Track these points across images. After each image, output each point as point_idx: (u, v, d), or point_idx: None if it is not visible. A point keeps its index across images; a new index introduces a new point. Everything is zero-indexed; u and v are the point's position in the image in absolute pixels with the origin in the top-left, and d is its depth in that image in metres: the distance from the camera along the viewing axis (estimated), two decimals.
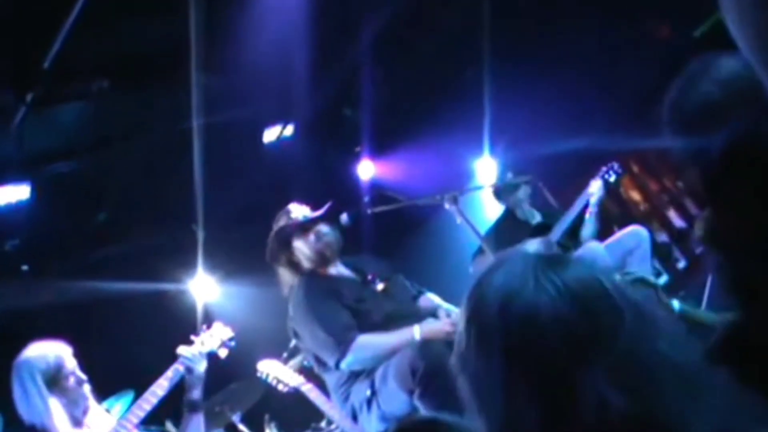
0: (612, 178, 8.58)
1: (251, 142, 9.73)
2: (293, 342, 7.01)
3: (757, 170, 2.36)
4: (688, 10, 9.07)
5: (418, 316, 6.48)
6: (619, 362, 1.86)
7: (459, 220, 6.72)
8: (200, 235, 8.79)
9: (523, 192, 8.47)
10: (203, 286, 8.82)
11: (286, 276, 6.70)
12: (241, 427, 7.02)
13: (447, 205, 6.69)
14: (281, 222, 6.77)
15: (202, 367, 5.79)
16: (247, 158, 9.61)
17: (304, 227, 6.67)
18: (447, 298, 7.28)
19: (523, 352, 1.91)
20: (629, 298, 2.00)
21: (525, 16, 9.44)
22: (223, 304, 8.74)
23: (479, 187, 8.52)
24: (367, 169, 10.39)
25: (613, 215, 10.04)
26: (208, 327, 6.40)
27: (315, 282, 6.51)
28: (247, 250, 9.01)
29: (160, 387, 5.74)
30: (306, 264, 6.63)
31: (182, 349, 5.80)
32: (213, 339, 6.24)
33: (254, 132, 9.78)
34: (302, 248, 6.66)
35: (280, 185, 9.25)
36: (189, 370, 5.74)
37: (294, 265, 6.67)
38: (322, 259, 6.65)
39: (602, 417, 1.81)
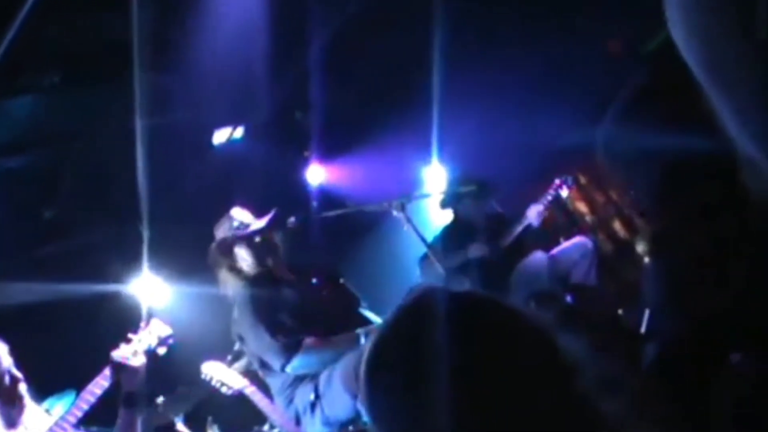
0: (564, 193, 8.69)
1: (200, 142, 9.72)
2: (237, 345, 7.00)
3: (695, 185, 2.41)
4: (639, 25, 9.15)
5: (362, 320, 6.52)
6: None
7: (406, 227, 6.75)
8: (145, 235, 8.74)
9: (470, 200, 8.51)
10: (148, 286, 8.78)
11: (228, 280, 6.70)
12: (182, 428, 6.99)
13: (395, 212, 6.72)
14: (224, 228, 6.77)
15: (137, 362, 5.70)
16: (196, 159, 9.59)
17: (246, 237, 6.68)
18: (391, 305, 7.30)
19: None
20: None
21: (475, 25, 9.48)
22: (168, 304, 8.70)
23: (427, 195, 8.54)
24: (316, 174, 10.40)
25: (560, 226, 10.11)
26: (147, 324, 6.38)
27: (259, 286, 6.53)
28: (193, 251, 9.01)
29: (98, 386, 5.69)
30: (249, 270, 6.64)
31: (115, 352, 5.70)
32: (151, 336, 6.20)
33: (204, 133, 9.77)
34: (244, 256, 6.67)
35: (228, 187, 9.24)
36: (121, 368, 5.65)
37: (237, 271, 6.67)
38: (264, 266, 6.66)
39: None
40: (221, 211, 7.23)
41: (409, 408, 1.88)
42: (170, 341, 6.20)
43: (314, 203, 7.05)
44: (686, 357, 2.43)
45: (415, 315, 1.98)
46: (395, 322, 2.03)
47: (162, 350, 6.20)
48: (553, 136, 9.42)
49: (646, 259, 2.87)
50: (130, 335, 6.08)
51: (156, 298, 8.40)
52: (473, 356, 1.87)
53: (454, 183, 8.80)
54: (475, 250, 8.27)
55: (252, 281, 6.58)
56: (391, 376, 1.95)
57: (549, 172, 9.10)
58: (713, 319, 2.44)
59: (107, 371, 5.71)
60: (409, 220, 6.69)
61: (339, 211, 6.93)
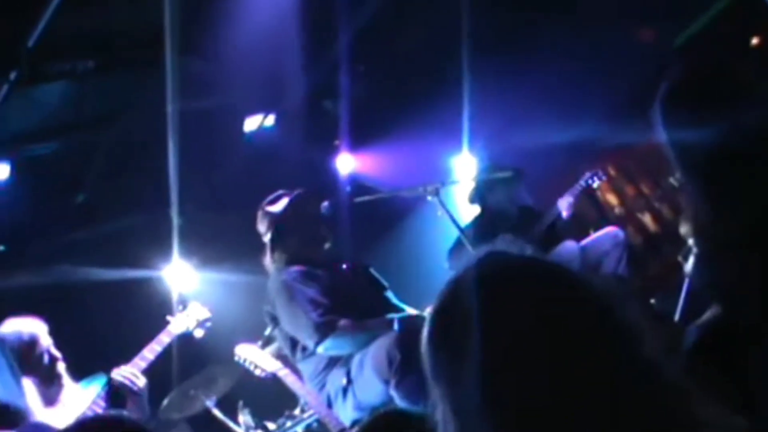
0: (595, 184, 8.70)
1: (232, 129, 9.74)
2: (269, 330, 7.03)
3: (748, 164, 2.43)
4: (672, 16, 9.16)
5: (391, 307, 6.54)
6: None
7: (440, 212, 6.77)
8: (176, 221, 8.78)
9: (501, 189, 8.51)
10: (179, 273, 8.81)
11: (269, 262, 6.72)
12: (215, 411, 7.03)
13: (429, 197, 6.73)
14: (263, 224, 6.78)
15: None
16: (227, 146, 9.61)
17: (298, 212, 6.70)
18: (421, 292, 7.33)
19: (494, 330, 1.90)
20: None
21: (506, 14, 9.48)
22: (199, 290, 8.74)
23: (460, 181, 8.53)
24: (346, 163, 10.40)
25: (589, 218, 10.10)
26: (184, 307, 6.44)
27: (297, 267, 6.54)
28: (223, 238, 9.06)
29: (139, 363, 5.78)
30: (292, 250, 6.66)
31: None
32: (189, 319, 6.28)
33: (235, 120, 9.78)
34: (291, 243, 6.69)
35: (258, 174, 9.26)
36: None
37: (279, 249, 6.68)
38: (311, 246, 6.69)
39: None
40: (250, 199, 7.24)
41: (466, 371, 1.89)
42: (208, 324, 6.27)
43: (347, 190, 7.04)
44: (729, 336, 2.45)
45: (479, 278, 1.98)
46: (458, 283, 2.04)
47: (199, 333, 6.27)
48: (584, 127, 9.43)
49: (690, 241, 2.86)
50: (168, 317, 6.15)
51: (186, 284, 8.45)
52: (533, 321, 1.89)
53: (486, 170, 8.78)
54: (505, 243, 8.27)
55: (290, 261, 6.59)
56: (453, 339, 1.96)
57: (580, 163, 9.10)
58: (756, 300, 2.46)
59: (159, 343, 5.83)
60: (443, 206, 6.71)
61: (372, 197, 6.94)
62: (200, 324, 6.35)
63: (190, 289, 8.53)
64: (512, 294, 1.94)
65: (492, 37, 9.46)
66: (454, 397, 1.94)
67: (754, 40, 8.79)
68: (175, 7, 7.43)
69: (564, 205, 8.47)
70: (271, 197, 6.82)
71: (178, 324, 6.18)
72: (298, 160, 9.81)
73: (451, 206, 7.35)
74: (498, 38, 9.55)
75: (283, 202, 6.75)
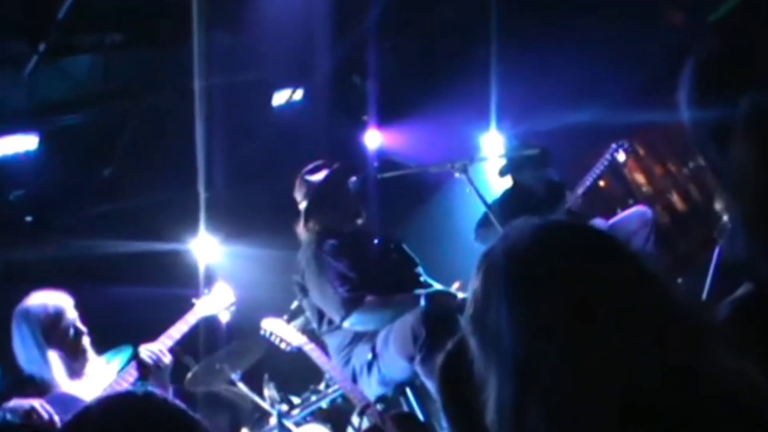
0: (620, 156, 8.66)
1: (260, 103, 9.74)
2: (295, 304, 7.04)
3: None
4: None
5: (420, 283, 6.53)
6: None
7: (468, 189, 6.74)
8: (203, 195, 8.79)
9: (530, 167, 8.48)
10: (205, 246, 8.83)
11: (301, 231, 6.72)
12: (240, 385, 7.03)
13: (457, 174, 6.71)
14: (300, 192, 6.77)
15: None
16: (256, 119, 9.62)
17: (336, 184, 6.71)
18: (449, 267, 7.33)
19: (535, 290, 1.95)
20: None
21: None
22: (226, 264, 8.76)
23: (488, 158, 8.51)
24: (373, 138, 10.40)
25: (617, 197, 10.07)
26: (210, 288, 6.46)
27: (329, 239, 6.55)
28: (251, 211, 9.07)
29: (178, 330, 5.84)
30: (327, 221, 6.66)
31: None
32: (214, 302, 6.30)
33: (264, 94, 9.78)
34: (327, 213, 6.69)
35: (286, 149, 9.27)
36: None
37: (314, 219, 6.68)
38: (345, 219, 6.70)
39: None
40: (278, 173, 7.24)
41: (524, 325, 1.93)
42: (233, 308, 6.29)
43: (374, 165, 7.02)
44: (762, 311, 2.43)
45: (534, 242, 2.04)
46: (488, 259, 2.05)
47: (225, 316, 6.30)
48: (612, 106, 9.39)
49: (725, 217, 2.84)
50: (193, 300, 6.17)
51: (213, 258, 8.47)
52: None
53: (515, 148, 8.76)
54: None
55: (323, 233, 6.60)
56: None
57: (607, 142, 9.07)
58: None
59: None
60: (471, 182, 6.69)
61: (400, 172, 6.92)
62: (226, 307, 6.38)
63: (216, 262, 8.57)
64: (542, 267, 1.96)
65: (520, 15, 9.42)
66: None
67: None
68: None
69: (589, 179, 8.45)
70: (310, 166, 6.83)
71: (203, 306, 6.19)
72: (326, 134, 9.80)
73: (479, 182, 7.31)
74: (526, 16, 9.52)
75: (323, 173, 6.75)
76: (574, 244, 2.02)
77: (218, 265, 8.63)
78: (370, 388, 6.21)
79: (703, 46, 2.63)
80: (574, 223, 2.13)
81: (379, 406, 6.00)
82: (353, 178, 6.72)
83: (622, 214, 8.43)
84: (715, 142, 2.59)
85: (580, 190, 8.47)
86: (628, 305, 1.89)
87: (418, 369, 5.86)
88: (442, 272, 7.04)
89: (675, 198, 10.27)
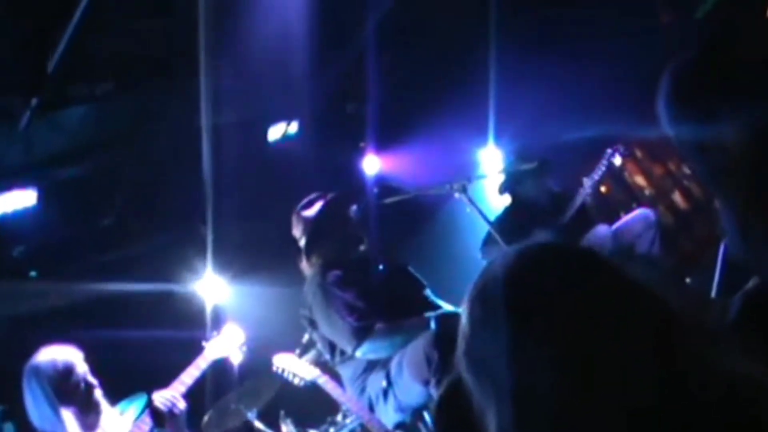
0: (617, 160, 8.66)
1: (256, 140, 9.73)
2: (306, 338, 7.02)
3: None
4: None
5: (429, 305, 6.52)
6: None
7: (469, 208, 6.74)
8: (208, 235, 8.79)
9: (530, 180, 8.47)
10: (212, 286, 8.81)
11: (304, 264, 6.71)
12: (257, 424, 7.00)
13: (456, 195, 6.71)
14: (298, 228, 6.76)
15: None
16: (253, 157, 9.59)
17: (332, 215, 6.70)
18: (455, 289, 7.28)
19: (531, 316, 1.93)
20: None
21: (528, 4, 9.44)
22: (233, 303, 8.74)
23: (487, 176, 8.50)
24: (372, 164, 10.37)
25: (619, 201, 10.05)
26: (219, 331, 6.45)
27: (333, 270, 6.54)
28: (255, 249, 9.06)
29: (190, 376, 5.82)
30: (328, 253, 6.64)
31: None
32: (225, 344, 6.29)
33: (259, 130, 9.77)
34: (327, 247, 6.68)
35: (286, 183, 9.26)
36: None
37: (315, 253, 6.67)
38: (347, 248, 6.68)
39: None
40: (280, 209, 7.23)
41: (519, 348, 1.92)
42: (244, 348, 6.28)
43: (374, 191, 7.00)
44: None
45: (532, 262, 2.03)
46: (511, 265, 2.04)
47: (237, 357, 6.29)
48: (609, 113, 9.40)
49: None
50: (203, 343, 6.16)
51: (220, 298, 8.46)
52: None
53: (513, 162, 8.74)
54: (540, 237, 8.26)
55: (327, 264, 6.59)
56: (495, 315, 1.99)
57: (605, 147, 9.07)
58: None
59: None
60: (471, 201, 6.69)
61: (399, 197, 6.92)
62: (237, 348, 6.37)
63: (224, 301, 8.56)
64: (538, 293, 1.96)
65: (515, 29, 9.42)
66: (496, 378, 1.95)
67: None
68: (190, 25, 7.45)
69: (588, 184, 8.45)
70: (304, 201, 6.84)
71: (214, 349, 6.18)
72: (323, 164, 9.79)
73: (480, 200, 7.32)
74: (521, 29, 9.52)
75: (317, 206, 6.76)
76: (559, 268, 1.99)
77: (226, 305, 8.63)
78: (388, 415, 6.20)
79: (677, 60, 2.62)
80: (556, 245, 2.11)
81: None
82: (353, 207, 6.69)
83: (625, 219, 8.42)
84: (698, 153, 2.58)
85: (580, 196, 8.47)
86: (621, 321, 1.87)
87: (434, 392, 5.83)
88: (450, 292, 7.02)
89: (677, 197, 10.24)
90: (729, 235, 2.64)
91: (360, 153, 10.37)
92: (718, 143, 2.47)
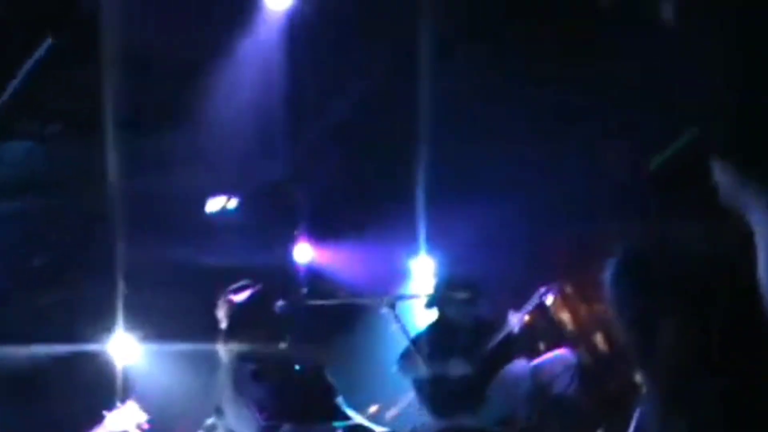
0: (549, 301, 8.72)
1: (194, 207, 9.69)
2: (213, 419, 6.92)
3: None
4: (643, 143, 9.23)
5: (338, 413, 6.48)
6: None
7: (394, 326, 6.73)
8: (121, 295, 8.68)
9: (459, 304, 8.45)
10: (123, 346, 8.71)
11: (222, 349, 6.64)
12: None
13: (384, 310, 6.68)
14: (223, 311, 6.70)
15: None
16: (189, 224, 9.54)
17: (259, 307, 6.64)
18: (368, 394, 7.30)
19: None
20: None
21: (462, 123, 9.52)
22: (143, 367, 8.67)
23: (416, 296, 8.46)
24: (304, 253, 10.38)
25: (541, 332, 10.05)
26: (122, 404, 6.38)
27: (249, 362, 6.47)
28: (172, 316, 8.98)
29: None
30: (248, 344, 6.58)
31: None
32: (125, 420, 6.21)
33: (199, 198, 9.74)
34: (248, 334, 6.62)
35: (214, 255, 9.24)
36: None
37: (235, 340, 6.61)
38: (267, 343, 6.63)
39: None
40: (204, 280, 7.19)
41: None
42: (145, 427, 6.21)
43: (303, 289, 6.95)
44: None
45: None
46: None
47: None
48: (543, 234, 9.50)
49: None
50: (105, 412, 6.08)
51: (130, 357, 8.39)
52: None
53: (444, 284, 8.71)
54: (456, 368, 8.27)
55: (242, 356, 6.52)
56: None
57: (538, 270, 9.13)
58: None
59: None
60: (397, 318, 6.66)
61: (329, 302, 6.88)
62: (137, 426, 6.30)
63: (133, 361, 8.48)
64: None
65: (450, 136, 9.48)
66: None
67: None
68: (148, 84, 7.44)
69: (515, 321, 8.47)
70: (235, 286, 6.77)
71: (113, 422, 6.11)
72: (257, 246, 9.76)
73: (407, 312, 7.32)
74: (456, 137, 9.59)
75: (246, 294, 6.69)
76: None
77: (134, 364, 8.56)
78: None
79: (619, 250, 2.75)
80: None
81: None
82: (280, 302, 6.64)
83: (545, 357, 8.43)
84: (635, 330, 2.68)
85: (505, 330, 8.50)
86: None
87: None
88: (361, 397, 7.00)
89: (599, 339, 10.27)
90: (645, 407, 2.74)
91: (294, 239, 10.37)
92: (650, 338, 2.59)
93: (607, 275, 2.89)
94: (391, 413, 8.77)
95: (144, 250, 8.76)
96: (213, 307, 6.83)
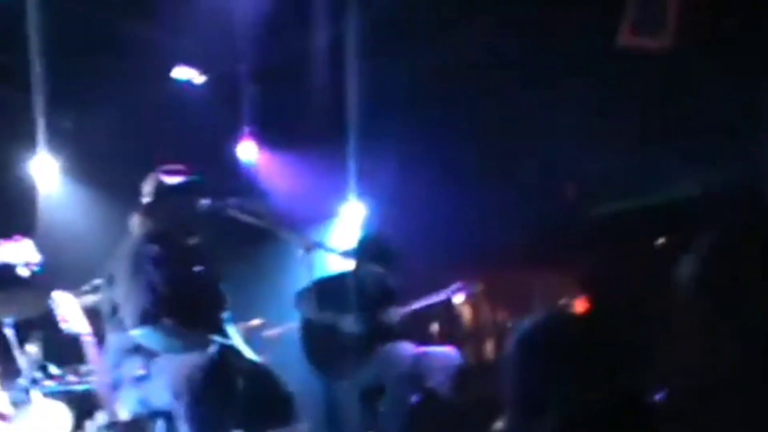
0: (458, 298, 8.79)
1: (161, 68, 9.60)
2: (99, 281, 6.88)
3: None
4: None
5: (222, 329, 6.48)
6: None
7: (304, 267, 6.69)
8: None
9: (374, 260, 8.46)
10: (44, 171, 8.63)
11: (136, 222, 6.59)
12: (6, 330, 6.84)
13: (299, 251, 6.64)
14: (149, 184, 6.64)
15: None
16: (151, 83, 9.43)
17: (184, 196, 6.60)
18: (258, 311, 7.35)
19: None
20: None
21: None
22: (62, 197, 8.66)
23: (335, 251, 8.42)
24: (247, 151, 10.32)
25: (436, 316, 10.08)
26: (18, 239, 6.32)
27: (156, 244, 6.44)
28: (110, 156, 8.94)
29: None
30: (161, 226, 6.54)
31: None
32: (15, 252, 6.16)
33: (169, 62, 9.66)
34: (164, 217, 6.57)
35: (167, 125, 9.23)
36: None
37: (150, 218, 6.56)
38: (180, 233, 6.60)
39: None
40: (153, 143, 7.11)
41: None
42: (35, 269, 6.17)
43: (232, 201, 6.90)
44: None
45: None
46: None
47: (23, 272, 6.17)
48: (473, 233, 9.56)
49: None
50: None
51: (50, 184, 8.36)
52: None
53: (363, 247, 8.66)
54: (349, 325, 8.30)
55: (151, 237, 6.48)
56: None
57: (457, 263, 9.20)
58: None
59: None
60: (308, 265, 6.63)
61: (251, 220, 6.78)
62: (26, 265, 6.24)
63: (52, 189, 8.43)
64: None
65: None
66: None
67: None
68: None
69: (419, 305, 8.56)
70: (171, 167, 6.68)
71: (2, 252, 6.06)
72: (207, 128, 9.70)
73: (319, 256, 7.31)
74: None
75: (177, 179, 6.63)
76: None
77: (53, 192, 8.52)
78: (129, 402, 6.17)
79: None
80: None
81: None
82: (208, 200, 6.58)
83: (432, 348, 8.47)
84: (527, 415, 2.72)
85: (408, 309, 8.54)
86: None
87: (180, 410, 5.82)
88: (250, 311, 7.01)
89: (489, 347, 10.34)
90: None
91: (242, 134, 10.32)
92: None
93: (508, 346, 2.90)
94: (271, 332, 8.77)
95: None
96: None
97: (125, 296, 6.26)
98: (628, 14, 7.90)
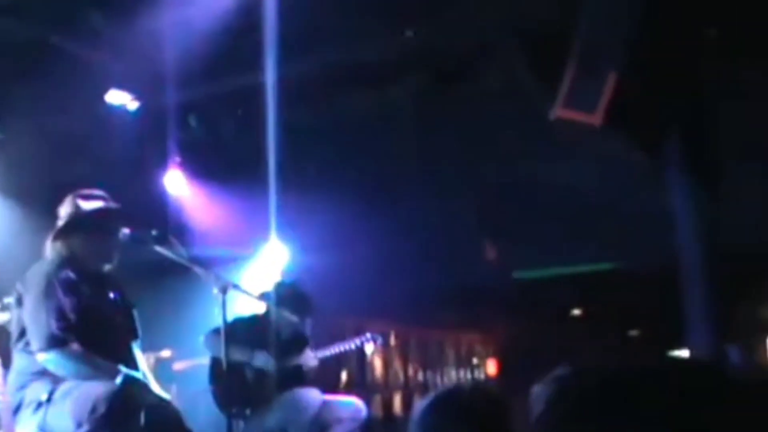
0: (369, 349, 8.79)
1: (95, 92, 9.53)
2: (7, 300, 6.81)
3: None
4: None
5: (131, 357, 6.44)
6: None
7: (216, 309, 6.66)
8: None
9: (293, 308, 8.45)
10: None
11: (49, 244, 6.52)
12: None
13: (214, 290, 6.60)
14: (65, 207, 6.60)
15: None
16: (84, 104, 9.37)
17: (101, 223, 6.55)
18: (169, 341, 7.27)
19: None
20: None
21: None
22: None
23: (251, 294, 8.40)
24: (173, 183, 10.26)
25: (346, 365, 10.10)
26: None
27: (69, 269, 6.38)
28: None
29: None
30: (74, 252, 6.49)
31: None
32: None
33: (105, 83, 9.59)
34: (78, 243, 6.52)
35: (93, 151, 9.17)
36: None
37: (63, 243, 6.50)
38: (93, 259, 6.55)
39: None
40: (78, 164, 7.06)
41: None
42: None
43: (153, 231, 6.82)
44: None
45: None
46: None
47: None
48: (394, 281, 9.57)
49: None
50: None
51: None
52: None
53: (279, 293, 8.65)
54: (261, 361, 8.30)
55: (64, 260, 6.42)
56: None
57: (374, 310, 9.22)
58: None
59: None
60: (222, 305, 6.59)
61: (169, 255, 6.74)
62: None
63: None
64: None
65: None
66: None
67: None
68: None
69: (330, 352, 8.59)
70: (88, 192, 6.65)
71: None
72: (136, 154, 9.65)
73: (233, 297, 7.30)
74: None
75: (95, 204, 6.59)
76: None
77: None
78: (27, 426, 6.07)
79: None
80: None
81: None
82: (126, 231, 6.53)
83: (338, 397, 8.48)
84: None
85: (319, 355, 8.54)
86: None
87: None
88: (161, 340, 6.94)
89: (397, 399, 10.37)
90: None
91: (169, 165, 10.27)
92: None
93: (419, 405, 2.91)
94: (180, 364, 8.74)
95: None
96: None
97: (34, 320, 6.20)
98: (564, 89, 7.97)
